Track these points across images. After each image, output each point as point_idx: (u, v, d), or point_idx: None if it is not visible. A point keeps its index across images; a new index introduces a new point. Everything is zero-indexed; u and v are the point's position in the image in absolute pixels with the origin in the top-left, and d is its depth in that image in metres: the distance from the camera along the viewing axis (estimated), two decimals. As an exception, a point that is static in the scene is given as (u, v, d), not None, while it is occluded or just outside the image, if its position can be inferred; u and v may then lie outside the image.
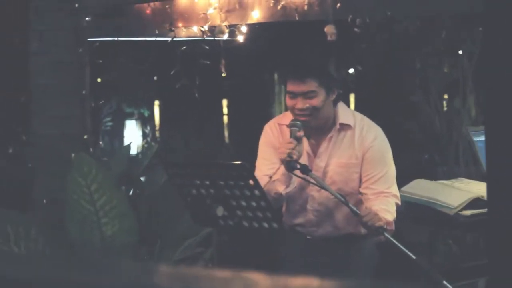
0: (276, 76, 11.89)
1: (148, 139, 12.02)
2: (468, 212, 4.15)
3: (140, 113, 12.22)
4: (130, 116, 12.11)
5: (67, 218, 4.32)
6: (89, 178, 4.24)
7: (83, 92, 4.87)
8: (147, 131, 12.20)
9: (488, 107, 2.17)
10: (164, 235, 4.78)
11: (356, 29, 5.01)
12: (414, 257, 3.44)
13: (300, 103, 3.68)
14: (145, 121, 12.28)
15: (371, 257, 3.96)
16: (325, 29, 4.76)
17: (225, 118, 12.65)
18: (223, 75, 6.03)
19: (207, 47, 5.25)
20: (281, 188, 3.70)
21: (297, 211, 3.91)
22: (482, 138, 4.59)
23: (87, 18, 4.93)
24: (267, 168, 3.74)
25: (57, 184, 4.51)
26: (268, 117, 4.60)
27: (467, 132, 4.85)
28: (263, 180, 3.52)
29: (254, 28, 5.31)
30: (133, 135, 11.91)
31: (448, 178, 4.76)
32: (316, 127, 3.78)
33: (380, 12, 4.73)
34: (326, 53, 4.18)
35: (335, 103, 3.80)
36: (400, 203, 3.82)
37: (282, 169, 3.65)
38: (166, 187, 4.87)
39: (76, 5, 4.75)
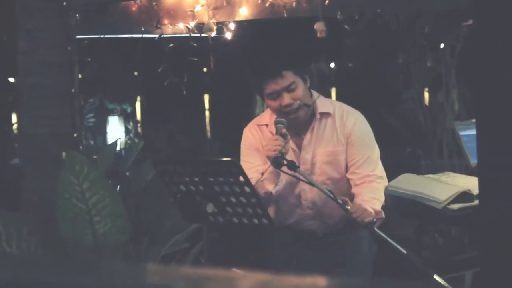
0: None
1: (131, 135, 11.98)
2: (455, 206, 4.18)
3: (123, 109, 12.18)
4: (112, 112, 12.07)
5: (58, 217, 4.29)
6: (81, 177, 4.22)
7: (72, 90, 4.85)
8: (129, 127, 12.16)
9: (478, 104, 2.18)
10: (152, 232, 4.78)
11: (339, 24, 5.01)
12: (404, 252, 3.46)
13: (286, 99, 3.67)
14: (128, 117, 12.24)
15: (368, 249, 3.98)
16: (315, 26, 4.77)
17: (211, 115, 12.63)
18: (210, 71, 6.02)
19: (195, 44, 5.24)
20: (270, 187, 3.70)
21: (291, 209, 3.92)
22: (468, 132, 4.63)
23: (76, 15, 4.91)
24: (251, 171, 3.72)
25: (48, 183, 4.50)
26: (257, 114, 4.61)
27: (453, 126, 4.89)
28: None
29: (241, 25, 5.30)
30: (116, 131, 11.88)
31: (432, 171, 4.78)
32: (300, 121, 3.79)
33: (368, 9, 4.75)
34: (290, 42, 4.21)
35: (309, 90, 3.82)
36: (386, 184, 3.86)
37: (271, 167, 3.66)
38: (153, 184, 4.87)
39: (64, 3, 4.73)
